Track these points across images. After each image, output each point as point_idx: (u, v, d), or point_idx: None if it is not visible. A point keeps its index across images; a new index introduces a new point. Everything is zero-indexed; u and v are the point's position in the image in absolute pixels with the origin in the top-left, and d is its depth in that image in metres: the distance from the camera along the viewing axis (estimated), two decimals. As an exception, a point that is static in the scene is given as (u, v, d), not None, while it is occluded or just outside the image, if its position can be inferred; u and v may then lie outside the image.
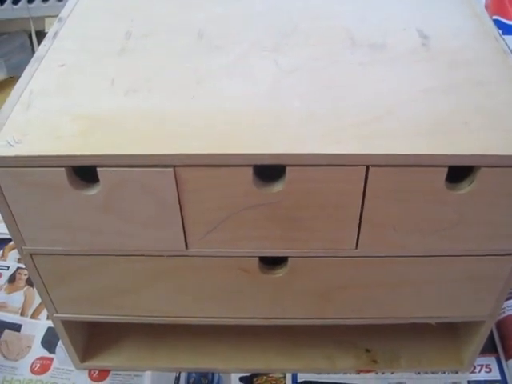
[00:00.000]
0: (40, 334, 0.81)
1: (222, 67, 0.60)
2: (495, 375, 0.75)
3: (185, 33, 0.65)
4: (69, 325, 0.70)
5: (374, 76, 0.59)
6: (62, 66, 0.61)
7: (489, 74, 0.59)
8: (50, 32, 0.67)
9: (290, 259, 0.59)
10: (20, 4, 1.15)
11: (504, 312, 0.79)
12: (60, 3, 1.10)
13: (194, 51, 0.62)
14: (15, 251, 0.91)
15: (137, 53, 0.62)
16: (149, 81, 0.58)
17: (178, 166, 0.51)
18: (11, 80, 1.24)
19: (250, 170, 0.51)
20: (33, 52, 1.22)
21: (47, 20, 1.14)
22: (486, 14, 0.69)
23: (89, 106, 0.55)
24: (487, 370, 0.76)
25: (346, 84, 0.57)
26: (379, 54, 0.62)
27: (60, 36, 0.66)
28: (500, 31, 1.53)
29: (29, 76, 0.60)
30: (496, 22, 1.43)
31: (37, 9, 1.15)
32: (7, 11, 1.18)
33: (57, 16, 0.70)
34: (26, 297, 0.85)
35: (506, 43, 0.64)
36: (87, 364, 0.77)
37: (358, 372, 0.76)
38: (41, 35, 1.16)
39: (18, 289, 0.86)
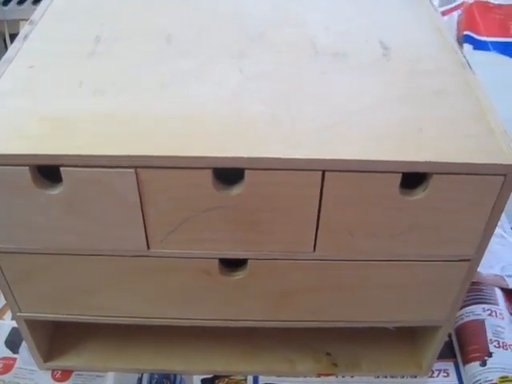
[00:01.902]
0: (4, 335, 0.81)
1: (187, 72, 0.61)
2: (453, 380, 0.77)
3: (154, 37, 0.66)
4: (32, 324, 0.71)
5: (334, 84, 0.60)
6: (31, 67, 0.62)
7: (446, 85, 0.61)
8: (21, 34, 0.68)
9: (249, 261, 0.61)
10: (-5, 7, 1.16)
11: (462, 318, 0.81)
12: (35, 7, 1.10)
13: (161, 56, 0.64)
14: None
15: (105, 56, 0.64)
16: (116, 84, 0.59)
17: (140, 167, 0.52)
18: (-15, 82, 1.23)
19: (210, 173, 0.52)
20: (7, 55, 1.22)
21: (22, 23, 1.15)
22: (446, 27, 0.71)
23: (55, 107, 0.56)
24: (445, 374, 0.78)
25: (308, 91, 0.59)
26: (341, 62, 0.64)
27: (30, 38, 0.67)
28: (471, 46, 1.56)
29: (-3, 77, 0.61)
30: (467, 37, 1.46)
31: (11, 12, 1.15)
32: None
33: (31, 19, 0.71)
34: (-10, 297, 0.85)
35: (464, 56, 0.66)
36: (50, 364, 0.77)
37: (319, 375, 0.77)
38: (15, 38, 1.16)
39: (-17, 289, 0.86)
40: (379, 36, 0.68)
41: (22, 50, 0.65)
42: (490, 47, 1.45)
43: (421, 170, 0.53)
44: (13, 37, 1.17)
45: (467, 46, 1.45)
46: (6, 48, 1.21)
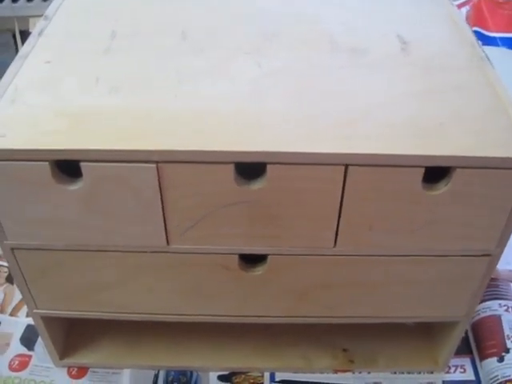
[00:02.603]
0: (19, 332, 0.81)
1: (204, 68, 0.61)
2: (469, 376, 0.77)
3: (169, 33, 0.66)
4: (48, 321, 0.70)
5: (353, 79, 0.60)
6: (48, 62, 0.62)
7: (465, 80, 0.61)
8: (36, 30, 0.67)
9: (269, 257, 0.60)
10: (4, 3, 1.15)
11: (479, 314, 0.81)
12: (45, 3, 1.10)
13: (177, 51, 0.63)
14: (-5, 248, 0.91)
15: (121, 52, 0.63)
16: (132, 80, 0.59)
17: (161, 162, 0.52)
18: (-6, 79, 1.23)
19: (232, 168, 0.52)
20: (16, 51, 1.22)
21: (31, 20, 1.14)
22: (464, 22, 0.71)
23: (73, 102, 0.56)
24: (462, 370, 0.77)
25: (327, 86, 0.59)
26: (359, 58, 0.63)
27: (45, 34, 0.66)
28: (480, 42, 1.56)
29: (14, 72, 0.60)
30: (476, 33, 1.45)
31: (21, 8, 1.15)
32: (-8, 10, 1.18)
33: (41, 16, 0.71)
34: (5, 294, 0.85)
35: (483, 50, 0.66)
36: (66, 361, 0.77)
37: (335, 371, 0.77)
38: (25, 35, 1.16)
39: (-3, 285, 0.87)
40: (397, 30, 0.68)
41: (38, 46, 0.64)
42: (499, 43, 1.45)
43: (444, 164, 0.52)
44: (22, 33, 1.17)
45: (475, 42, 1.44)
46: (15, 44, 1.21)
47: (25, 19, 1.16)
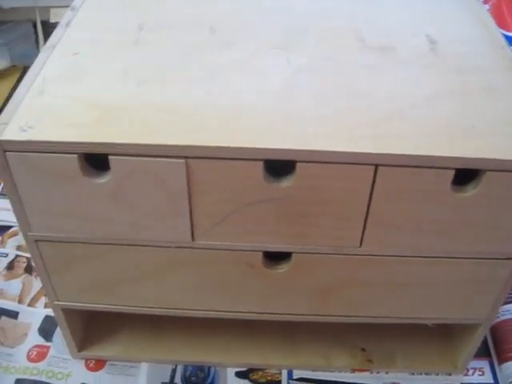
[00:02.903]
0: (37, 322, 0.81)
1: (233, 63, 0.60)
2: (488, 379, 0.76)
3: (197, 27, 0.66)
4: (68, 313, 0.70)
5: (383, 78, 0.59)
6: (75, 54, 0.62)
7: (496, 81, 0.60)
8: (63, 21, 0.67)
9: (293, 255, 0.60)
10: (25, -7, 1.16)
11: (498, 317, 0.80)
12: (66, -6, 1.10)
13: (206, 45, 0.63)
14: (14, 238, 0.91)
15: (149, 45, 0.63)
16: (161, 73, 0.59)
17: (190, 157, 0.51)
18: (14, 68, 1.24)
19: (261, 165, 0.52)
20: (36, 41, 1.22)
21: (52, 10, 1.14)
22: (493, 22, 0.70)
23: (102, 95, 0.56)
24: (480, 373, 0.77)
25: (356, 85, 0.58)
26: (388, 56, 0.62)
27: (72, 25, 0.66)
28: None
29: (41, 63, 0.60)
30: (496, 33, 1.44)
31: (42, -2, 1.15)
32: (12, 0, 1.18)
33: (62, 6, 0.71)
34: (24, 284, 0.85)
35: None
36: (84, 353, 0.77)
37: (353, 371, 0.76)
38: (46, 25, 1.16)
39: (16, 276, 0.86)
40: (425, 30, 0.67)
41: (65, 37, 0.64)
42: (519, 43, 1.43)
43: (474, 166, 0.52)
44: (43, 24, 1.17)
45: (495, 42, 1.42)
46: (36, 34, 1.21)
47: (46, 9, 1.16)
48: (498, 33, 0.68)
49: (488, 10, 1.52)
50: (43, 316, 0.81)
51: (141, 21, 0.67)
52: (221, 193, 0.54)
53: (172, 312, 0.68)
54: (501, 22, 1.48)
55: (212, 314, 0.68)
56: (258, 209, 0.55)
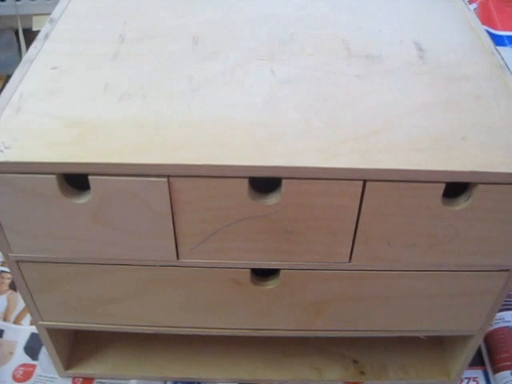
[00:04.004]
0: (23, 340, 0.79)
1: (217, 74, 0.59)
2: (482, 388, 0.76)
3: (179, 38, 0.64)
4: (54, 332, 0.69)
5: (370, 88, 0.58)
6: (54, 68, 0.60)
7: (486, 89, 0.59)
8: (41, 33, 0.65)
9: (281, 271, 0.59)
10: (7, 1, 1.13)
11: (491, 325, 0.79)
12: (48, 2, 1.07)
13: (189, 57, 0.61)
14: (-2, 254, 0.89)
15: (131, 57, 0.61)
16: (143, 87, 0.57)
17: (172, 176, 0.50)
18: (-3, 77, 1.22)
19: (246, 182, 0.50)
20: (19, 50, 1.20)
21: (35, 18, 1.12)
22: (481, 27, 0.69)
23: (81, 112, 0.54)
24: (474, 383, 0.76)
25: (343, 96, 0.57)
26: (376, 65, 0.61)
27: (51, 38, 0.64)
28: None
29: (19, 78, 0.58)
30: (484, 32, 1.43)
31: (24, 6, 1.12)
32: (-6, 8, 1.16)
33: (45, 14, 0.69)
34: (8, 301, 0.84)
35: (502, 58, 0.64)
36: (71, 372, 0.75)
37: (346, 383, 0.75)
38: (28, 33, 1.14)
39: (0, 293, 0.85)
40: (413, 37, 0.66)
41: (44, 51, 0.62)
42: (507, 42, 1.42)
43: (465, 179, 0.51)
44: (25, 32, 1.14)
45: (483, 42, 1.42)
46: (18, 43, 1.18)
47: (28, 17, 1.13)
48: (487, 38, 0.67)
49: (475, 8, 1.51)
50: (29, 334, 0.80)
51: (122, 32, 0.65)
52: (205, 211, 0.53)
53: (159, 330, 0.67)
54: (488, 21, 1.47)
55: (200, 332, 0.66)
56: (244, 226, 0.54)
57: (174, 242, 0.56)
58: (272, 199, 0.52)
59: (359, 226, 0.54)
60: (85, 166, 0.49)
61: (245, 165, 0.49)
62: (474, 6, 1.51)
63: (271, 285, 0.60)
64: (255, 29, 0.66)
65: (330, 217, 0.53)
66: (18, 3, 1.10)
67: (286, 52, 0.63)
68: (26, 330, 0.80)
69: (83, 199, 0.52)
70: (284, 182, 0.50)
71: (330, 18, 0.68)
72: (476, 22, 0.70)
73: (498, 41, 1.43)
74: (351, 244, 0.56)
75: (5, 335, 0.80)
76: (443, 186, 0.51)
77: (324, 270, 0.58)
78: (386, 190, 0.51)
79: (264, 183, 0.52)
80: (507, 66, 0.62)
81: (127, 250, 0.57)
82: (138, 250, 0.57)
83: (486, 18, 1.47)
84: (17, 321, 0.81)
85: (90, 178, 0.50)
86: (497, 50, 0.65)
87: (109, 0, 0.71)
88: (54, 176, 0.50)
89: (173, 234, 0.55)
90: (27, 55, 0.62)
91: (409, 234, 0.55)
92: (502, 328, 0.78)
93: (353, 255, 0.57)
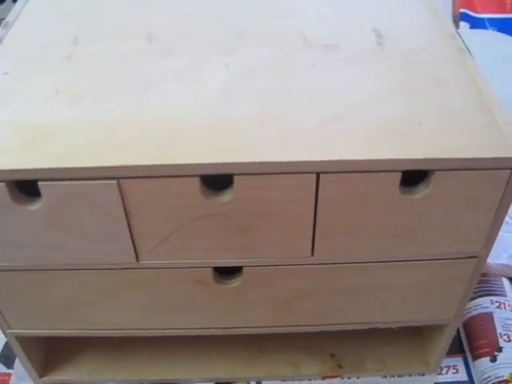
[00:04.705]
0: (-2, 349, 0.79)
1: (171, 72, 0.58)
2: (462, 376, 0.75)
3: (134, 36, 0.63)
4: (25, 340, 0.68)
5: (327, 78, 0.57)
6: (5, 74, 0.59)
7: (446, 73, 0.58)
8: (-5, 38, 0.64)
9: (244, 268, 0.58)
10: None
11: (470, 312, 0.78)
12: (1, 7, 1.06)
13: (142, 56, 0.60)
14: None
15: (84, 59, 0.60)
16: (94, 89, 0.56)
17: (122, 177, 0.49)
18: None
19: (197, 180, 0.49)
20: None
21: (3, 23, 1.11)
22: (442, 10, 0.67)
23: (32, 117, 0.53)
24: (454, 371, 0.75)
25: (298, 87, 0.56)
26: (333, 54, 0.60)
27: (5, 42, 0.63)
28: (468, 24, 1.51)
29: (-31, 85, 0.57)
30: (463, 15, 1.42)
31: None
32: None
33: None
34: (-17, 310, 0.83)
35: (463, 41, 0.63)
36: (46, 379, 0.74)
37: (324, 378, 0.74)
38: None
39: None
40: (373, 23, 0.65)
41: (-3, 56, 0.61)
42: (487, 25, 1.41)
43: (421, 167, 0.50)
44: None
45: (463, 24, 1.41)
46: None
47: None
48: (448, 21, 0.66)
49: (456, -10, 1.50)
50: (4, 342, 0.79)
51: (76, 33, 0.64)
52: (159, 211, 0.52)
53: (128, 333, 0.66)
54: (469, 4, 1.46)
55: (169, 333, 0.66)
56: (200, 225, 0.53)
57: (131, 244, 0.55)
58: (225, 196, 0.51)
59: (318, 219, 0.53)
60: (31, 172, 0.48)
61: (193, 163, 0.48)
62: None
63: (235, 283, 0.59)
64: (212, 23, 0.65)
65: (286, 211, 0.52)
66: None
67: (243, 45, 0.61)
68: (0, 338, 0.79)
69: (35, 205, 0.51)
70: (236, 178, 0.49)
71: (291, 9, 0.67)
72: (437, 3, 0.68)
73: (478, 24, 1.42)
74: (312, 238, 0.55)
75: (-20, 344, 0.79)
76: (399, 174, 0.50)
77: (287, 265, 0.58)
78: (340, 181, 0.50)
79: (219, 180, 0.51)
80: (468, 50, 0.61)
81: (86, 255, 0.56)
82: (97, 253, 0.56)
83: (466, 0, 1.46)
84: (-8, 329, 0.80)
85: (39, 183, 0.49)
86: (458, 33, 0.64)
87: (65, 2, 0.70)
88: (2, 184, 0.49)
89: (129, 236, 0.54)
90: (-21, 61, 0.61)
91: (370, 225, 0.54)
92: (480, 314, 0.77)
93: (315, 249, 0.56)
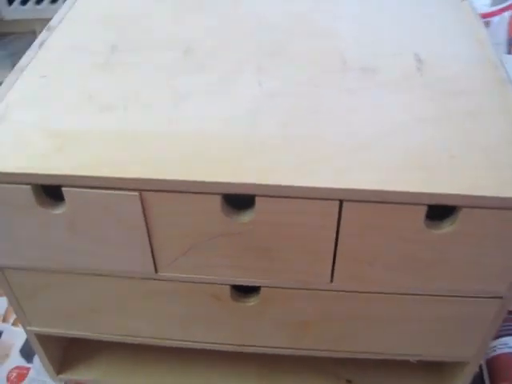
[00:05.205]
0: (19, 343, 0.80)
1: (203, 87, 0.58)
2: (482, 416, 0.72)
3: (171, 48, 0.63)
4: (43, 337, 0.69)
5: (360, 103, 0.56)
6: (43, 77, 0.60)
7: (483, 105, 0.56)
8: (37, 41, 0.66)
9: (262, 289, 0.57)
10: (28, 5, 1.15)
11: (495, 350, 0.76)
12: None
13: (178, 69, 0.60)
14: None
15: (119, 68, 0.61)
16: (126, 98, 0.56)
17: (144, 190, 0.49)
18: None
19: (219, 198, 0.49)
20: (41, 52, 1.21)
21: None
22: (488, 39, 0.65)
23: (61, 123, 0.54)
24: (473, 409, 0.73)
25: (329, 111, 0.55)
26: (370, 78, 0.59)
27: (46, 46, 0.65)
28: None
29: (8, 87, 0.59)
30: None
31: (44, 10, 1.14)
32: (16, 12, 1.18)
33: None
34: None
35: (506, 71, 0.61)
36: (63, 376, 0.75)
37: (338, 403, 0.73)
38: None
39: (1, 294, 0.85)
40: (414, 47, 0.63)
41: (37, 58, 0.63)
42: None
43: (448, 203, 0.48)
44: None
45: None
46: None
47: (48, 21, 1.14)
48: (492, 50, 0.64)
49: (511, 15, 1.46)
50: (25, 337, 0.80)
51: (116, 41, 0.65)
52: (180, 226, 0.52)
53: (141, 341, 0.66)
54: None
55: (182, 344, 0.66)
56: (220, 242, 0.53)
57: (151, 256, 0.55)
58: (246, 217, 0.51)
59: (339, 246, 0.52)
60: (56, 177, 0.49)
61: (216, 181, 0.48)
62: (510, 12, 1.46)
63: (252, 302, 0.59)
64: (249, 39, 0.65)
65: (307, 236, 0.52)
66: (38, 7, 1.12)
67: (279, 63, 0.61)
68: (23, 332, 0.80)
69: (59, 210, 0.52)
70: (257, 199, 0.49)
71: (328, 28, 0.67)
72: (483, 31, 0.66)
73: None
74: (332, 264, 0.54)
75: (3, 337, 0.81)
76: (425, 208, 0.49)
77: (305, 289, 0.57)
78: (363, 210, 0.49)
79: (241, 199, 0.50)
80: (510, 81, 0.59)
81: (106, 261, 0.56)
82: (116, 261, 0.56)
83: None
84: (15, 323, 0.82)
85: (63, 189, 0.50)
86: (502, 63, 0.62)
87: (109, 9, 0.71)
88: (28, 186, 0.50)
89: (149, 247, 0.54)
90: (20, 63, 0.62)
91: (391, 256, 0.53)
92: (505, 354, 0.75)
93: (334, 276, 0.55)
